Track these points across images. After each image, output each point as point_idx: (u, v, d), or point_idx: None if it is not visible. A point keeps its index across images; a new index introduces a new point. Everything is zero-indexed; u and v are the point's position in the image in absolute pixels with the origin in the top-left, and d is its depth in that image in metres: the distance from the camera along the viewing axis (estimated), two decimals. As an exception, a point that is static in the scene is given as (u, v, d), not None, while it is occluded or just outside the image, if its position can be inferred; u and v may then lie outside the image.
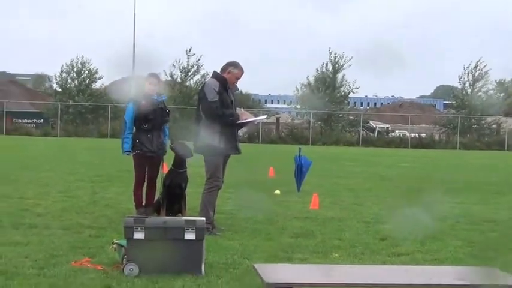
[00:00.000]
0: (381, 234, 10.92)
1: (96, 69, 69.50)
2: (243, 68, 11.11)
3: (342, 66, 69.01)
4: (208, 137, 10.69)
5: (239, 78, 11.11)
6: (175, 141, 11.48)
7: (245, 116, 11.32)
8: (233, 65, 11.02)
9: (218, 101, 10.63)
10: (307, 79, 70.33)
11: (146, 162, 11.70)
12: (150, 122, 11.63)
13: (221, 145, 10.70)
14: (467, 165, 33.75)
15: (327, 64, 69.39)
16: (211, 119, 10.68)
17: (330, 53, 69.16)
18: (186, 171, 11.47)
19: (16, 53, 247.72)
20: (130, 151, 11.61)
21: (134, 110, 11.67)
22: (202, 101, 10.81)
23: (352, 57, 68.32)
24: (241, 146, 11.31)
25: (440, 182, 21.45)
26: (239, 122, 11.02)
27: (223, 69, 10.98)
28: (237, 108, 11.14)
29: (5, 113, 62.40)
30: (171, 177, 11.34)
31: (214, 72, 11.12)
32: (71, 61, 68.73)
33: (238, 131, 11.51)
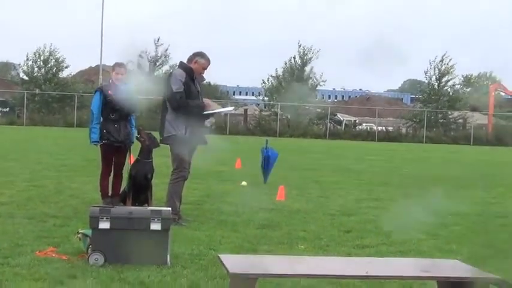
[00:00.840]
0: (346, 226, 10.99)
1: (64, 58, 69.04)
2: (210, 58, 11.10)
3: (310, 58, 69.23)
4: (174, 127, 10.68)
5: (206, 69, 11.09)
6: (141, 131, 11.44)
7: (211, 106, 11.30)
8: (200, 55, 11.01)
9: (183, 92, 10.60)
10: (276, 71, 70.47)
11: (113, 152, 11.67)
12: (117, 112, 11.59)
13: (187, 135, 10.68)
14: (433, 159, 34.01)
15: (295, 57, 69.59)
16: (176, 109, 10.66)
17: (299, 46, 69.36)
18: (152, 161, 11.44)
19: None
20: (98, 141, 11.56)
21: (101, 100, 11.62)
22: (167, 91, 10.78)
23: (319, 50, 68.63)
24: (208, 136, 11.30)
25: (407, 175, 21.60)
26: (205, 112, 11.00)
27: (190, 59, 10.96)
28: (204, 99, 11.12)
29: (-31, 100, 61.79)
30: (137, 168, 11.30)
31: (181, 62, 11.10)
32: (38, 49, 68.15)
33: (206, 122, 11.49)
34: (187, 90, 10.66)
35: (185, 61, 11.02)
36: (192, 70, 10.84)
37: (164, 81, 11.20)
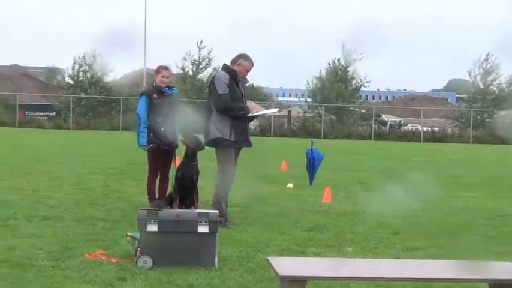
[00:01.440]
0: (394, 228, 10.88)
1: (108, 62, 69.57)
2: (253, 60, 11.08)
3: (354, 60, 68.93)
4: (219, 130, 10.68)
5: (249, 71, 11.07)
6: (186, 134, 11.46)
7: (255, 109, 11.28)
8: (243, 57, 10.99)
9: (228, 94, 10.61)
10: (320, 72, 70.27)
11: (160, 155, 11.70)
12: (163, 115, 11.62)
13: (232, 138, 10.69)
14: (481, 159, 33.63)
15: (339, 59, 69.34)
16: (221, 111, 10.66)
17: (343, 47, 69.07)
18: (197, 164, 11.45)
19: (28, 45, 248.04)
20: (146, 145, 11.60)
21: (147, 103, 11.66)
22: (212, 94, 10.79)
23: (363, 52, 68.31)
24: (252, 139, 11.29)
25: (454, 176, 21.39)
26: (250, 115, 11.00)
27: (234, 61, 10.95)
28: (247, 101, 11.11)
29: (17, 105, 62.57)
30: (183, 170, 11.32)
31: (224, 64, 11.10)
32: (83, 54, 68.80)
33: (250, 124, 11.47)
34: (231, 93, 10.66)
35: (228, 63, 11.02)
36: (236, 72, 10.83)
37: (208, 84, 11.21)
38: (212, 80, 11.09)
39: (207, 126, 10.82)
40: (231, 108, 10.63)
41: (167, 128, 11.66)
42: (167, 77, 11.95)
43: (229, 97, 10.59)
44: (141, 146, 11.67)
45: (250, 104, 11.14)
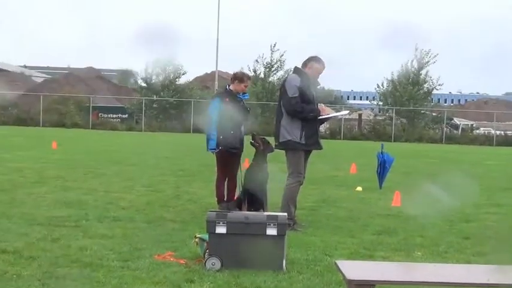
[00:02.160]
0: (465, 233, 10.74)
1: (181, 65, 70.32)
2: (325, 63, 11.05)
3: (427, 62, 68.10)
4: (289, 132, 10.69)
5: (321, 73, 11.05)
6: (256, 137, 11.49)
7: (326, 111, 11.24)
8: (314, 59, 10.97)
9: (298, 97, 10.60)
10: (392, 75, 69.65)
11: (229, 158, 11.76)
12: (234, 119, 11.69)
13: (302, 141, 10.68)
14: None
15: (412, 61, 68.62)
16: (291, 115, 10.67)
17: (416, 49, 68.34)
18: (266, 166, 11.49)
19: (102, 48, 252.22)
20: (215, 148, 11.67)
21: (220, 107, 11.72)
22: (283, 97, 10.80)
23: (437, 54, 67.45)
24: (323, 141, 11.27)
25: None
26: (320, 117, 10.97)
27: (305, 64, 10.94)
28: (319, 104, 11.08)
29: (91, 107, 63.65)
30: (252, 173, 11.36)
31: (296, 67, 11.09)
32: (157, 58, 69.53)
33: (320, 127, 11.44)
34: (303, 95, 10.65)
35: (300, 66, 11.01)
36: (307, 75, 10.82)
37: (280, 87, 11.23)
38: (283, 83, 11.10)
39: (278, 128, 10.83)
40: (300, 111, 10.62)
41: (237, 131, 11.73)
42: (247, 86, 12.07)
43: (299, 100, 10.59)
44: (210, 149, 11.75)
45: (321, 106, 11.11)
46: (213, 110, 11.77)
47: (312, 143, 10.83)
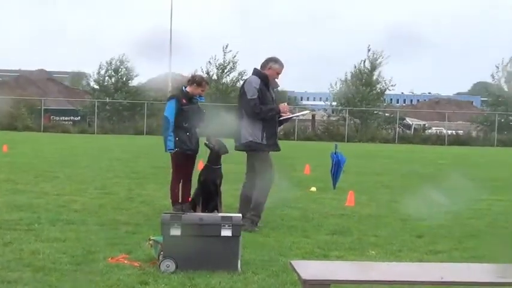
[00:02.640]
0: (417, 231, 10.84)
1: (133, 67, 69.80)
2: (283, 63, 11.06)
3: (380, 63, 68.62)
4: (250, 133, 10.68)
5: (280, 74, 11.06)
6: (210, 138, 11.47)
7: (286, 109, 11.23)
8: (273, 60, 10.98)
9: (257, 99, 10.60)
10: (345, 75, 70.00)
11: (184, 159, 11.73)
12: (190, 120, 11.66)
13: (264, 141, 10.69)
14: (505, 162, 33.38)
15: (364, 61, 69.09)
16: (251, 116, 10.67)
17: (369, 50, 68.81)
18: (220, 167, 11.48)
19: (53, 50, 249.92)
20: (173, 149, 11.62)
21: (177, 108, 11.66)
22: (242, 98, 10.80)
23: (389, 56, 67.97)
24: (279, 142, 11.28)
25: (479, 179, 21.25)
26: (282, 118, 10.99)
27: (264, 65, 10.93)
28: (280, 104, 11.08)
29: (42, 110, 62.99)
30: (206, 174, 11.36)
31: (255, 69, 11.07)
32: (111, 59, 69.07)
33: (279, 128, 11.45)
34: (262, 97, 10.65)
35: (258, 67, 11.00)
36: (267, 76, 10.82)
37: (239, 88, 11.21)
38: (243, 84, 11.09)
39: (238, 130, 10.81)
40: (258, 113, 10.62)
41: (193, 133, 11.71)
42: (204, 90, 12.07)
43: (258, 102, 10.58)
44: (168, 149, 11.70)
45: (283, 106, 11.11)
46: (171, 112, 11.71)
47: (271, 143, 10.84)
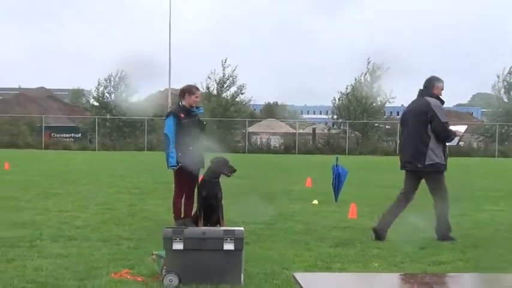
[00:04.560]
0: (420, 243, 10.81)
1: (132, 83, 69.81)
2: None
3: (379, 76, 68.71)
4: (437, 155, 11.18)
5: (443, 90, 11.39)
6: (231, 167, 11.44)
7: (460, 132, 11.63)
8: (436, 79, 11.31)
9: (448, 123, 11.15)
10: (346, 89, 70.05)
11: (187, 174, 11.69)
12: (191, 134, 11.63)
13: (444, 162, 11.37)
14: (506, 173, 33.36)
15: (365, 74, 69.21)
16: (443, 138, 11.16)
17: (368, 63, 68.96)
18: (218, 181, 11.48)
19: (53, 68, 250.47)
20: (176, 165, 11.57)
21: (175, 123, 11.64)
22: (433, 121, 11.05)
23: (389, 68, 68.09)
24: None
25: (480, 190, 21.24)
26: (458, 136, 11.48)
27: (429, 86, 11.27)
28: (460, 125, 11.73)
29: (43, 127, 63.08)
30: (207, 188, 11.34)
31: (424, 90, 11.30)
32: (109, 75, 69.11)
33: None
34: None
35: (422, 88, 11.34)
36: (439, 97, 11.17)
37: (422, 108, 11.24)
38: (428, 105, 11.13)
39: (423, 151, 11.13)
40: (449, 136, 11.18)
41: (195, 147, 11.67)
42: (198, 97, 12.01)
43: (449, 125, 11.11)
44: (171, 166, 11.66)
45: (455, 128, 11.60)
46: (169, 128, 11.70)
47: (446, 163, 11.45)
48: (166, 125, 11.81)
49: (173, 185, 12.02)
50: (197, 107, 11.99)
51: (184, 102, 11.87)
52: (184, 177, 11.74)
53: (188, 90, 11.95)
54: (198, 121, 11.92)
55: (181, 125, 11.64)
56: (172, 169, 11.68)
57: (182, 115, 11.71)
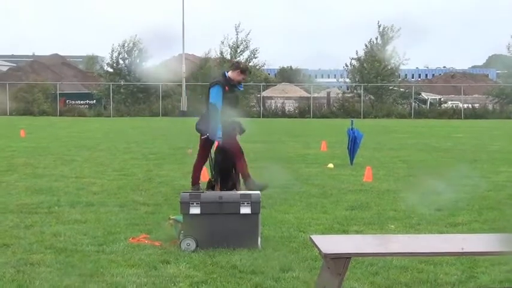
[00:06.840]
0: (436, 204, 10.79)
1: (146, 49, 69.58)
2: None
3: (391, 37, 68.22)
4: None
5: None
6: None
7: None
8: None
9: None
10: (356, 53, 69.66)
11: (211, 145, 11.57)
12: (229, 108, 11.42)
13: None
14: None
15: (377, 38, 68.75)
16: None
17: (379, 26, 68.49)
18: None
19: (67, 35, 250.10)
20: (222, 137, 11.34)
21: (222, 94, 11.44)
22: None
23: (400, 28, 67.57)
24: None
25: (496, 152, 21.19)
26: None
27: None
28: None
29: (58, 94, 63.19)
30: (223, 153, 11.34)
31: None
32: (123, 41, 68.83)
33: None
34: None
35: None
36: None
37: None
38: None
39: None
40: None
41: (228, 120, 11.48)
42: (245, 79, 11.89)
43: None
44: (218, 138, 11.36)
45: None
46: (218, 98, 11.38)
47: None
48: (213, 94, 11.46)
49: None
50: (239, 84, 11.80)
51: (231, 75, 11.60)
52: (208, 148, 11.52)
53: (243, 69, 11.68)
54: (236, 97, 11.80)
55: (224, 97, 11.45)
56: (219, 140, 11.51)
57: (227, 88, 11.49)
